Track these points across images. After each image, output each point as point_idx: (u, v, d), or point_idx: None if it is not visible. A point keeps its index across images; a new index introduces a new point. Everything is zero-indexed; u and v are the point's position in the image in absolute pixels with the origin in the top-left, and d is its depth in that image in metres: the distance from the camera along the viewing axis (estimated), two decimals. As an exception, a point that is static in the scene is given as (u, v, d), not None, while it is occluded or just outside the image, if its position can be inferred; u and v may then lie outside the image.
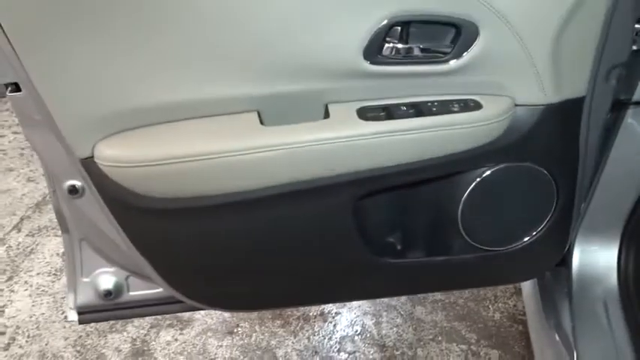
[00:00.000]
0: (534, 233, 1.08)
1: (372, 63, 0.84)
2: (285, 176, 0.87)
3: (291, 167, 0.86)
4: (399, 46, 0.85)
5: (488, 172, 0.97)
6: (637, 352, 1.15)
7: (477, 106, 0.90)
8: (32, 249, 2.40)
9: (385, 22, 0.81)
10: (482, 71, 0.88)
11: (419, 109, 0.89)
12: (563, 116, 0.95)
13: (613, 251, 1.24)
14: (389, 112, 0.89)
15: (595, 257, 1.24)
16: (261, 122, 0.87)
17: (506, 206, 1.04)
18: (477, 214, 1.02)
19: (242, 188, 0.87)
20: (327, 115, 0.89)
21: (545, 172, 1.00)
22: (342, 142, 0.85)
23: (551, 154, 0.98)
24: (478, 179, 0.98)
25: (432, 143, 0.90)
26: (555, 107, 0.92)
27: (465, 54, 0.86)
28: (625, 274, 1.22)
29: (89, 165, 0.84)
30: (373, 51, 0.83)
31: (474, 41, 0.85)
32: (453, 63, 0.87)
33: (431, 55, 0.86)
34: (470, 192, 0.99)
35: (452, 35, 0.86)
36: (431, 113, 0.88)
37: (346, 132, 0.85)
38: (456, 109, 0.89)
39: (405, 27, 0.84)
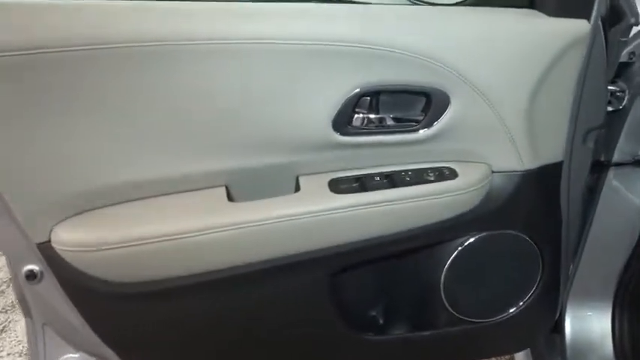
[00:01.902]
0: (521, 303, 1.03)
1: (342, 134, 0.82)
2: (255, 255, 0.82)
3: (261, 245, 0.81)
4: (370, 116, 0.83)
5: (469, 242, 0.93)
6: None
7: (453, 174, 0.87)
8: (4, 326, 2.28)
9: (355, 92, 0.79)
10: (455, 139, 0.86)
11: (393, 180, 0.86)
12: (542, 182, 0.92)
13: (606, 316, 1.19)
14: (362, 184, 0.86)
15: (589, 323, 1.19)
16: (230, 198, 0.83)
17: (490, 276, 0.99)
18: (460, 284, 0.97)
19: (209, 269, 0.82)
20: (298, 188, 0.85)
21: (528, 238, 0.96)
22: (315, 216, 0.81)
23: (532, 220, 0.95)
24: (459, 249, 0.94)
25: (409, 214, 0.86)
26: (533, 173, 0.90)
27: (436, 123, 0.84)
28: (620, 341, 1.16)
29: (46, 249, 0.79)
30: (343, 122, 0.81)
31: (445, 109, 0.83)
32: (424, 132, 0.85)
33: (402, 125, 0.84)
34: (451, 262, 0.94)
35: (422, 104, 0.84)
36: (405, 183, 0.85)
37: (318, 206, 0.82)
38: (431, 179, 0.87)
39: (374, 97, 0.82)
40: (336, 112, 0.79)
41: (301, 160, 0.84)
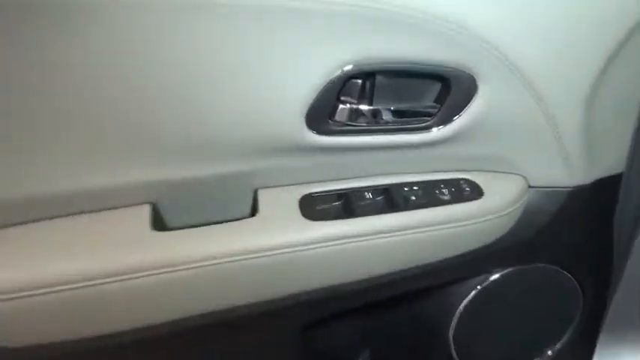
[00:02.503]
0: (550, 352, 0.79)
1: (320, 133, 0.56)
2: (187, 308, 0.56)
3: (197, 295, 0.56)
4: (361, 107, 0.56)
5: (490, 279, 0.69)
6: None
7: (476, 191, 0.62)
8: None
9: (343, 70, 0.52)
10: (481, 142, 0.61)
11: (391, 197, 0.61)
12: (595, 200, 0.68)
13: None
14: (347, 203, 0.60)
15: None
16: (157, 221, 0.57)
17: (514, 323, 0.75)
18: (476, 335, 0.73)
19: (136, 325, 0.56)
20: (255, 208, 0.59)
21: (567, 273, 0.72)
22: (277, 254, 0.55)
23: (576, 249, 0.71)
24: (477, 288, 0.69)
25: (412, 250, 0.61)
26: (586, 189, 0.65)
27: (456, 118, 0.58)
28: None
29: None
30: (321, 115, 0.55)
31: (470, 100, 0.57)
32: (439, 130, 0.59)
33: (407, 121, 0.58)
34: (465, 307, 0.70)
35: (437, 92, 0.58)
36: (409, 204, 0.60)
37: (283, 238, 0.56)
38: (445, 197, 0.61)
39: (368, 79, 0.56)
40: (312, 100, 0.53)
41: (261, 169, 0.58)
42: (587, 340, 0.81)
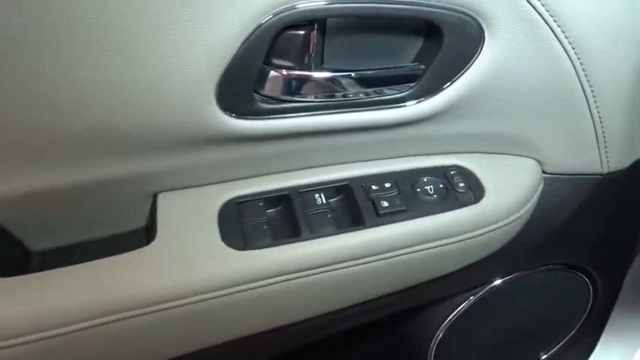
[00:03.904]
0: (544, 357, 0.65)
1: (241, 115, 0.36)
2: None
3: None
4: (303, 73, 0.36)
5: (486, 289, 0.52)
6: None
7: (473, 187, 0.44)
8: None
9: (268, 19, 0.32)
10: (483, 117, 0.42)
11: (352, 202, 0.42)
12: (628, 188, 0.50)
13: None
14: (288, 213, 0.41)
15: None
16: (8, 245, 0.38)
17: (508, 331, 0.60)
18: (461, 352, 0.58)
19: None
20: (153, 229, 0.40)
21: (580, 274, 0.57)
22: (189, 304, 0.37)
23: (597, 246, 0.55)
24: (470, 300, 0.53)
25: (384, 279, 0.43)
26: (618, 177, 0.47)
27: (449, 85, 0.39)
28: None
29: None
30: (241, 90, 0.35)
31: (473, 58, 0.37)
32: (424, 103, 0.39)
33: (377, 91, 0.39)
34: (452, 321, 0.54)
35: (419, 46, 0.38)
36: (379, 216, 0.41)
37: (199, 279, 0.37)
38: (430, 197, 0.43)
39: (314, 31, 0.35)
40: (223, 67, 0.33)
41: (160, 170, 0.39)
42: (589, 336, 0.68)
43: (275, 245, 0.38)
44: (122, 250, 0.37)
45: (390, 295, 0.44)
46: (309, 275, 0.38)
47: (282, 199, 0.42)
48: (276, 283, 0.38)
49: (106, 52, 0.31)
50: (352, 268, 0.39)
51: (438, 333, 0.55)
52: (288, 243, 0.38)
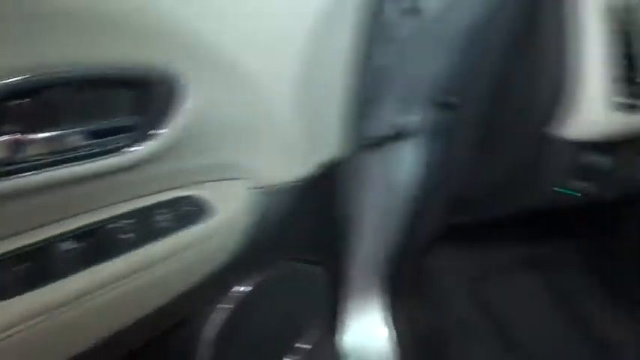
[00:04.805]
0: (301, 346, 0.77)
1: None
2: None
3: None
4: (22, 137, 0.40)
5: (234, 294, 0.61)
6: None
7: (203, 209, 0.52)
8: None
9: None
10: (197, 152, 0.51)
11: (96, 243, 0.46)
12: (323, 187, 0.65)
13: (385, 306, 1.03)
14: (36, 268, 0.43)
15: (368, 317, 1.00)
16: None
17: (266, 328, 0.70)
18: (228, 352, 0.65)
19: None
20: None
21: (310, 265, 0.70)
22: None
23: (316, 241, 0.69)
24: (219, 310, 0.61)
25: (133, 301, 0.48)
26: (312, 179, 0.61)
27: (162, 130, 0.47)
28: (400, 327, 1.01)
29: None
30: None
31: (178, 106, 0.46)
32: (142, 148, 0.46)
33: (98, 143, 0.44)
34: (213, 332, 0.61)
35: (132, 101, 0.45)
36: (120, 247, 0.46)
37: None
38: (165, 225, 0.50)
39: (27, 97, 0.39)
40: None
41: None
42: (335, 321, 0.83)
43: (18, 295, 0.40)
44: None
45: (142, 319, 0.49)
46: (55, 316, 0.42)
47: (29, 253, 0.44)
48: (21, 331, 0.40)
49: None
50: (100, 297, 0.44)
51: (200, 345, 0.61)
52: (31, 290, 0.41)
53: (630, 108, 0.70)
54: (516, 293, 1.17)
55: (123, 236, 0.47)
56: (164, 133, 0.47)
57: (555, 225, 1.21)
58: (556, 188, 0.78)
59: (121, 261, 0.46)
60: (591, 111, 0.70)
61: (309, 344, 0.79)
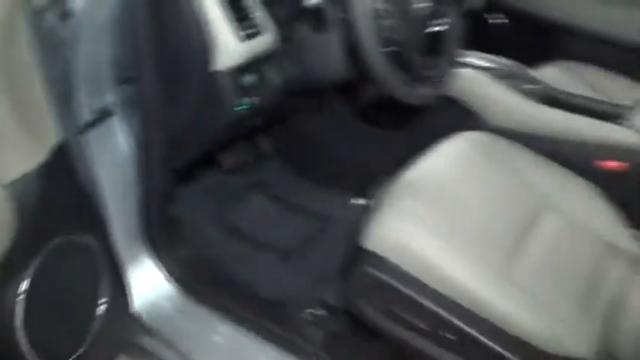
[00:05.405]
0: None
1: None
2: None
3: None
4: None
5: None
6: None
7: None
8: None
9: None
10: None
11: None
12: (62, 169, 0.79)
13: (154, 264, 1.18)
14: None
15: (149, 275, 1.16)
16: None
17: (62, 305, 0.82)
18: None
19: None
20: None
21: (77, 238, 0.83)
22: None
23: (77, 212, 0.82)
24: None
25: None
26: (48, 165, 0.75)
27: None
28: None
29: None
30: None
31: None
32: None
33: None
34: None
35: None
36: None
37: None
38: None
39: None
40: None
41: None
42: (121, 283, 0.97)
43: None
44: None
45: None
46: None
47: None
48: None
49: None
50: None
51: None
52: None
53: (252, 35, 1.02)
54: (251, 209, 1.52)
55: None
56: None
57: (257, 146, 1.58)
58: (235, 108, 1.06)
59: None
60: (228, 45, 0.99)
61: (104, 311, 0.92)
